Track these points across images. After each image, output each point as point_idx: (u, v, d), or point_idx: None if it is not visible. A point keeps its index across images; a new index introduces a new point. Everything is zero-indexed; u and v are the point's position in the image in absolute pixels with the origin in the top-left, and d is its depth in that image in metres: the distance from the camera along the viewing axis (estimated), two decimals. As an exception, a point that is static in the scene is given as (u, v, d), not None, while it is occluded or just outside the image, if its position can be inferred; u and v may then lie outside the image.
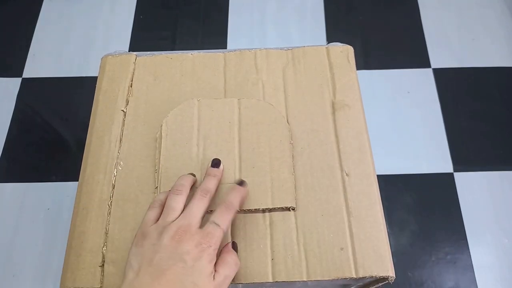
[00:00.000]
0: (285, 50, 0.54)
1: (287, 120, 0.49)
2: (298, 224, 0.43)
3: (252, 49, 0.54)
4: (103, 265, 0.41)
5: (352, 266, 0.41)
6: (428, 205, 0.82)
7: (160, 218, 0.38)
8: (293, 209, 0.43)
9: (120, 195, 0.45)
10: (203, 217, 0.38)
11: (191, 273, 0.33)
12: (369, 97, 0.91)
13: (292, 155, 0.46)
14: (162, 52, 0.55)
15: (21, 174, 0.86)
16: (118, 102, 0.51)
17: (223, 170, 0.44)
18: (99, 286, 0.40)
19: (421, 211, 0.82)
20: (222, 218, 0.38)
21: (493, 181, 0.84)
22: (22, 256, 0.76)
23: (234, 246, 0.40)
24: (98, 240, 0.42)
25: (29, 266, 0.75)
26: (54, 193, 0.84)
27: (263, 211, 0.43)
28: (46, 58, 1.00)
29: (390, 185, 0.84)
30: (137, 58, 0.54)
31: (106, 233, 0.43)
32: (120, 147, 0.48)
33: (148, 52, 0.55)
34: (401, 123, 0.91)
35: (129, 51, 0.55)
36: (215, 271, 0.35)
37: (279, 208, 0.43)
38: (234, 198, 0.40)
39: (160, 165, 0.45)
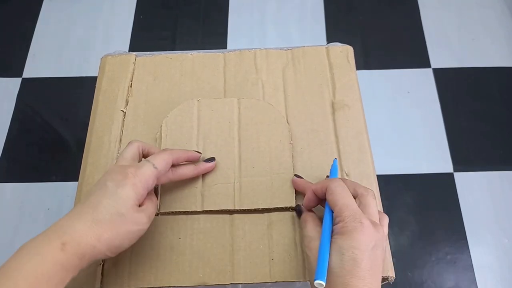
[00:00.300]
0: (285, 50, 0.54)
1: (287, 120, 0.49)
2: (298, 224, 0.43)
3: (252, 49, 0.54)
4: (103, 265, 0.41)
5: (352, 266, 0.41)
6: (428, 205, 0.82)
7: None
8: (293, 209, 0.43)
9: (120, 195, 0.45)
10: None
11: (112, 197, 0.35)
12: (369, 97, 0.91)
13: (292, 155, 0.46)
14: (162, 52, 0.55)
15: (21, 174, 0.86)
16: (118, 102, 0.51)
17: (208, 168, 0.45)
18: (99, 286, 0.40)
19: (421, 211, 0.82)
20: (158, 158, 0.39)
21: (493, 181, 0.84)
22: (22, 256, 0.75)
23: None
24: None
25: (29, 266, 0.75)
26: (54, 193, 0.84)
27: (263, 211, 0.43)
28: (46, 58, 1.00)
29: (390, 185, 0.84)
30: (136, 58, 0.54)
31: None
32: (120, 147, 0.48)
33: (148, 52, 0.55)
34: (401, 123, 0.91)
35: (129, 51, 0.55)
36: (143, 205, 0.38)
37: (279, 208, 0.43)
38: (180, 151, 0.43)
39: (160, 165, 0.45)
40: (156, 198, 0.41)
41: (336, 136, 0.48)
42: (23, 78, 0.97)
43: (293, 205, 0.43)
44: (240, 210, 0.43)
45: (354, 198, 0.37)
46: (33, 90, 0.96)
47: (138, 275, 0.41)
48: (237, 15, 1.05)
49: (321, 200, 0.40)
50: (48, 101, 0.94)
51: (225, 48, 1.00)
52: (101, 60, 0.54)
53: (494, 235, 0.80)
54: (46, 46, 1.02)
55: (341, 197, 0.36)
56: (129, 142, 0.42)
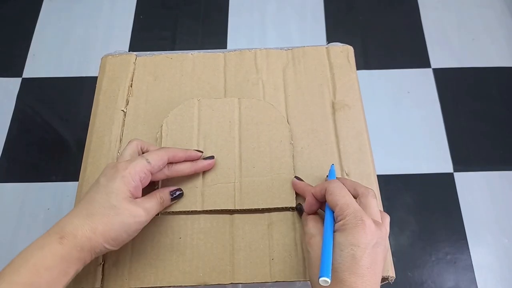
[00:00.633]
0: (285, 50, 0.54)
1: (287, 120, 0.49)
2: (298, 224, 0.43)
3: (252, 49, 0.54)
4: (103, 265, 0.41)
5: (352, 266, 0.41)
6: (428, 205, 0.82)
7: None
8: (293, 209, 0.43)
9: (120, 195, 0.45)
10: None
11: (103, 191, 0.37)
12: (369, 97, 0.91)
13: (293, 155, 0.46)
14: (162, 52, 0.55)
15: (21, 174, 0.86)
16: (118, 102, 0.51)
17: (206, 165, 0.45)
18: (99, 286, 0.40)
19: (421, 211, 0.82)
20: (152, 153, 0.40)
21: (493, 181, 0.84)
22: (22, 256, 0.75)
23: (175, 192, 0.43)
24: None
25: (29, 266, 0.75)
26: (54, 193, 0.84)
27: (263, 211, 0.43)
28: (46, 58, 1.00)
29: (390, 185, 0.84)
30: (137, 58, 0.54)
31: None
32: (120, 147, 0.48)
33: (148, 52, 0.55)
34: (401, 123, 0.91)
35: (129, 51, 0.55)
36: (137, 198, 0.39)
37: (279, 208, 0.43)
38: (178, 149, 0.43)
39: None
40: (159, 196, 0.41)
41: (336, 136, 0.48)
42: (23, 78, 0.97)
43: (293, 205, 0.43)
44: (240, 210, 0.43)
45: (355, 198, 0.37)
46: (33, 90, 0.96)
47: (138, 274, 0.41)
48: (237, 15, 1.05)
49: (322, 203, 0.40)
50: (48, 101, 0.95)
51: (225, 48, 1.00)
52: (101, 60, 0.54)
53: (494, 235, 0.80)
54: (46, 46, 1.02)
55: (341, 196, 0.36)
56: (129, 141, 0.42)
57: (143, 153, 0.42)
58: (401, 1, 1.07)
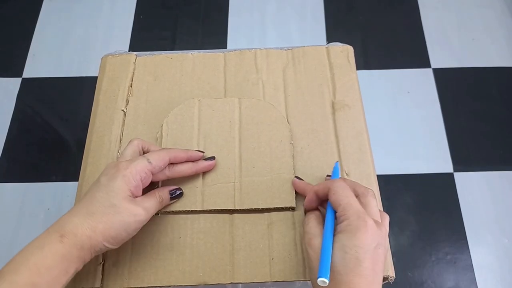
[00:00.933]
0: (285, 50, 0.54)
1: (287, 120, 0.49)
2: (298, 224, 0.43)
3: (252, 49, 0.54)
4: (103, 264, 0.41)
5: (352, 266, 0.41)
6: (428, 205, 0.82)
7: None
8: (293, 209, 0.43)
9: (120, 195, 0.45)
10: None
11: (104, 189, 0.37)
12: (369, 97, 0.91)
13: (293, 155, 0.46)
14: (162, 52, 0.55)
15: (21, 174, 0.86)
16: (118, 102, 0.51)
17: (207, 166, 0.45)
18: (99, 286, 0.40)
19: (421, 211, 0.82)
20: (153, 154, 0.40)
21: (493, 181, 0.84)
22: (22, 256, 0.75)
23: (175, 191, 0.43)
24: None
25: (29, 266, 0.75)
26: (54, 193, 0.84)
27: (263, 211, 0.43)
28: (46, 58, 1.00)
29: (390, 185, 0.84)
30: (137, 58, 0.54)
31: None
32: (120, 147, 0.48)
33: (148, 52, 0.55)
34: (401, 123, 0.91)
35: (129, 51, 0.55)
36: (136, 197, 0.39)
37: (279, 208, 0.43)
38: (179, 150, 0.43)
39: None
40: (158, 195, 0.41)
41: (336, 136, 0.48)
42: (23, 78, 0.97)
43: (293, 205, 0.43)
44: (240, 209, 0.43)
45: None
46: (33, 90, 0.96)
47: (138, 274, 0.41)
48: (237, 15, 1.05)
49: (322, 201, 0.40)
50: (48, 101, 0.95)
51: (225, 48, 1.00)
52: (101, 60, 0.54)
53: (494, 235, 0.80)
54: (46, 46, 1.02)
55: (344, 196, 0.36)
56: (130, 141, 0.42)
57: (144, 152, 0.43)
58: (401, 1, 1.07)
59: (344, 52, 0.54)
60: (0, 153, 0.88)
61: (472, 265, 0.77)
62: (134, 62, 0.54)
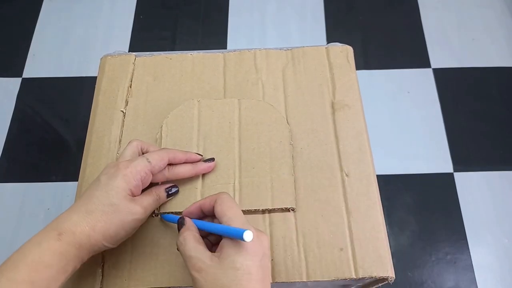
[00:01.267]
0: (285, 50, 0.54)
1: (287, 120, 0.49)
2: (298, 224, 0.43)
3: (252, 49, 0.54)
4: (103, 266, 0.41)
5: (352, 266, 0.41)
6: (428, 205, 0.82)
7: None
8: (293, 210, 0.43)
9: (120, 196, 0.45)
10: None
11: (104, 188, 0.37)
12: (369, 97, 0.91)
13: (292, 156, 0.46)
14: (162, 53, 0.55)
15: (21, 174, 0.86)
16: (118, 103, 0.51)
17: (207, 168, 0.45)
18: (99, 287, 0.40)
19: (421, 211, 0.82)
20: (153, 154, 0.40)
21: (493, 181, 0.84)
22: (22, 256, 0.75)
23: (170, 189, 0.43)
24: (98, 240, 0.42)
25: (29, 266, 0.75)
26: (54, 193, 0.84)
27: (263, 211, 0.43)
28: (46, 58, 1.00)
29: (390, 185, 0.84)
30: (136, 58, 0.54)
31: (106, 234, 0.43)
32: (119, 147, 0.48)
33: (148, 53, 0.55)
34: (401, 123, 0.91)
35: (129, 51, 0.55)
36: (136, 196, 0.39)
37: (279, 209, 0.43)
38: (178, 151, 0.43)
39: (160, 166, 0.45)
40: (155, 193, 0.41)
41: (336, 136, 0.48)
42: (23, 78, 0.97)
43: (293, 206, 0.43)
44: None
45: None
46: (33, 90, 0.96)
47: (138, 275, 0.41)
48: (237, 15, 1.05)
49: (205, 216, 0.39)
50: (48, 101, 0.95)
51: (225, 48, 1.00)
52: (100, 60, 0.54)
53: (494, 235, 0.80)
54: (46, 46, 1.02)
55: (229, 207, 0.36)
56: (129, 142, 0.42)
57: (143, 153, 0.43)
58: (401, 1, 1.07)
59: (344, 52, 0.54)
60: (0, 153, 0.88)
61: (472, 265, 0.77)
62: (133, 63, 0.54)
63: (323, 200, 0.44)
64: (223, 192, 0.38)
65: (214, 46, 1.00)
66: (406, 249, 0.79)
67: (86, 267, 0.40)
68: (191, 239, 0.35)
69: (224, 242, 0.34)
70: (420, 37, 1.01)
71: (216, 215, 0.36)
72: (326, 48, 0.54)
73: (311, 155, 0.47)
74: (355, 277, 0.40)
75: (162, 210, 0.43)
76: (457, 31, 1.02)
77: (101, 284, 0.40)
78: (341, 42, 0.55)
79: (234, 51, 0.54)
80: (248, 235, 0.32)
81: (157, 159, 0.40)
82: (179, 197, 0.44)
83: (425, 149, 0.88)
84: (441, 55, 0.98)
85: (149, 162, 0.39)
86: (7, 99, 0.94)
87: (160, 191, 0.42)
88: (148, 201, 0.39)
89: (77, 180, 0.46)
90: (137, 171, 0.38)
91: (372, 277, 0.40)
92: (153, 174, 0.40)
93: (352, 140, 0.47)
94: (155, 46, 1.01)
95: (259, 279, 0.33)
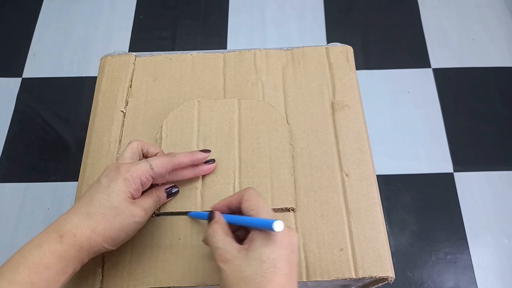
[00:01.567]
0: (285, 50, 0.54)
1: (287, 121, 0.49)
2: (298, 225, 0.43)
3: (252, 49, 0.54)
4: (103, 266, 0.41)
5: (352, 266, 0.41)
6: (428, 205, 0.82)
7: None
8: (293, 210, 0.43)
9: (120, 196, 0.45)
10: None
11: (104, 191, 0.37)
12: (369, 97, 0.91)
13: (292, 156, 0.46)
14: (162, 53, 0.55)
15: (21, 174, 0.86)
16: (118, 103, 0.51)
17: (207, 169, 0.45)
18: (99, 287, 0.40)
19: (421, 211, 0.82)
20: (157, 160, 0.40)
21: (493, 181, 0.84)
22: (22, 256, 0.76)
23: (170, 190, 0.43)
24: (97, 240, 0.42)
25: (29, 266, 0.75)
26: (54, 193, 0.84)
27: (263, 211, 0.43)
28: (46, 58, 1.00)
29: (390, 185, 0.84)
30: (136, 58, 0.54)
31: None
32: (119, 147, 0.48)
33: (148, 53, 0.55)
34: (401, 123, 0.91)
35: (129, 51, 0.55)
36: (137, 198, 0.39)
37: (279, 209, 0.43)
38: (183, 155, 0.42)
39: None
40: (155, 195, 0.41)
41: (336, 136, 0.48)
42: (23, 78, 0.97)
43: (294, 206, 0.43)
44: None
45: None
46: (33, 90, 0.96)
47: (138, 275, 0.41)
48: (237, 15, 1.05)
49: (233, 212, 0.39)
50: (48, 101, 0.94)
51: (225, 48, 1.00)
52: (100, 60, 0.54)
53: (494, 235, 0.80)
54: (46, 46, 1.02)
55: (256, 202, 0.35)
56: (129, 142, 0.42)
57: (143, 154, 0.42)
58: (401, 1, 1.07)
59: (344, 53, 0.54)
60: (0, 153, 0.88)
61: (472, 265, 0.77)
62: (133, 63, 0.54)
63: (323, 200, 0.44)
64: (249, 187, 0.38)
65: (214, 46, 1.00)
66: (406, 249, 0.79)
67: (86, 267, 0.40)
68: (219, 231, 0.35)
69: (253, 235, 0.34)
70: (420, 37, 1.01)
71: (244, 211, 0.36)
72: (326, 48, 0.54)
73: (311, 155, 0.47)
74: (355, 277, 0.40)
75: (162, 210, 0.43)
76: (457, 31, 1.02)
77: (101, 284, 0.40)
78: (341, 42, 0.55)
79: (234, 51, 0.54)
80: (278, 225, 0.31)
81: (160, 167, 0.40)
82: (179, 197, 0.44)
83: (425, 149, 0.88)
84: (441, 55, 0.98)
85: (152, 168, 0.39)
86: (7, 99, 0.94)
87: (160, 192, 0.42)
88: (148, 203, 0.39)
89: (77, 180, 0.46)
90: (138, 175, 0.38)
91: (372, 277, 0.40)
92: (153, 179, 0.40)
93: (352, 140, 0.47)
94: (155, 46, 1.01)
95: (285, 274, 0.32)
